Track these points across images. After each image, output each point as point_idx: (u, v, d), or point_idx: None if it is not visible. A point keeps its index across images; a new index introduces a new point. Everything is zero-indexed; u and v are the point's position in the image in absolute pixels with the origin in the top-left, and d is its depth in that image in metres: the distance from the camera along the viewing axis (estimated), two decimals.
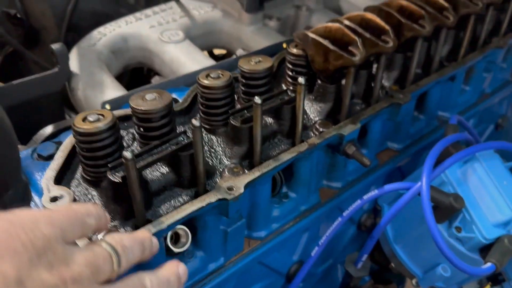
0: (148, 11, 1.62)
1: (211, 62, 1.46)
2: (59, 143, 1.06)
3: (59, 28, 1.89)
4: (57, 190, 0.90)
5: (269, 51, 1.45)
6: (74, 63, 1.32)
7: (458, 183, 1.22)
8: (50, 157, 1.03)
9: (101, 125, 0.91)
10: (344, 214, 1.20)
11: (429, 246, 1.25)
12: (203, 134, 1.13)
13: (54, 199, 0.88)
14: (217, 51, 2.15)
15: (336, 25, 1.20)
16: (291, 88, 1.31)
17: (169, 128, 1.03)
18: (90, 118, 0.92)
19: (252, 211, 1.12)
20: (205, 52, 1.72)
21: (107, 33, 1.48)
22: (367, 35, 1.19)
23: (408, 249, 1.33)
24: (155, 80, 1.29)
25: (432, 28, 1.30)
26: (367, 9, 1.38)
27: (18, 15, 1.81)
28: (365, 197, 1.20)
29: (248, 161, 1.10)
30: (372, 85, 1.35)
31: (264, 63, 1.16)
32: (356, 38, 1.16)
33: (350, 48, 1.15)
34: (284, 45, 1.49)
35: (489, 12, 1.59)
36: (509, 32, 1.77)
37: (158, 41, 1.51)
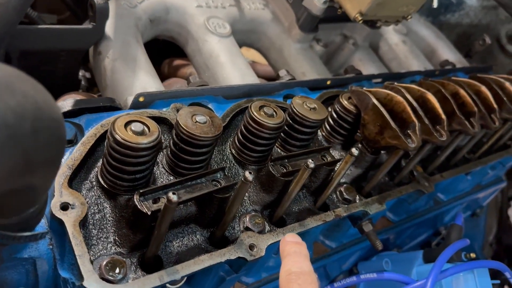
0: None
1: (250, 72, 1.34)
2: (78, 127, 0.92)
3: None
4: (70, 196, 0.77)
5: (313, 84, 1.35)
6: (108, 22, 1.14)
7: None
8: (66, 143, 0.88)
9: (145, 141, 0.78)
10: (336, 285, 1.16)
11: None
12: (232, 164, 1.03)
13: (65, 207, 0.76)
14: None
15: (399, 98, 1.13)
16: (324, 134, 1.24)
17: (208, 156, 0.92)
18: (134, 128, 0.80)
19: None
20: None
21: None
22: (426, 120, 1.13)
23: None
24: (193, 79, 1.15)
25: (479, 130, 1.27)
26: (424, 84, 1.32)
27: None
28: (363, 277, 1.17)
29: (270, 210, 1.02)
30: (403, 164, 1.31)
31: (319, 113, 1.07)
32: (416, 121, 1.10)
33: (409, 132, 1.08)
34: (328, 82, 1.40)
35: None
36: None
37: (203, 26, 1.35)
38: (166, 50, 1.85)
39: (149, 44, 1.38)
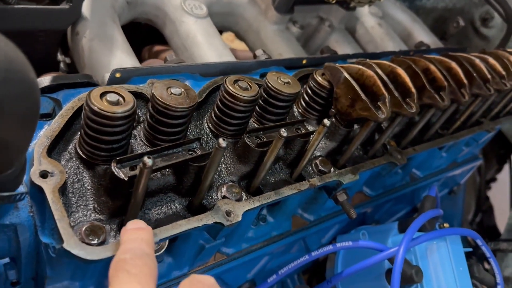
0: None
1: (227, 52, 1.37)
2: (56, 101, 0.94)
3: None
4: (48, 165, 0.80)
5: (289, 63, 1.39)
6: (85, 4, 1.16)
7: (421, 256, 1.27)
8: (44, 116, 0.90)
9: (120, 110, 0.81)
10: (313, 254, 1.20)
11: None
12: (210, 138, 1.07)
13: (44, 175, 0.78)
14: None
15: (370, 72, 1.17)
16: (300, 110, 1.28)
17: (184, 128, 0.95)
18: (109, 98, 0.82)
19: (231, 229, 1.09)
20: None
21: None
22: (396, 93, 1.17)
23: None
24: (170, 57, 1.18)
25: (448, 104, 1.32)
26: (396, 61, 1.36)
27: None
28: (339, 245, 1.21)
29: (247, 181, 1.06)
30: (376, 137, 1.35)
31: (293, 87, 1.10)
32: (386, 93, 1.14)
33: (379, 103, 1.13)
34: (304, 61, 1.43)
35: (493, 97, 1.65)
36: (497, 117, 1.86)
37: (179, 8, 1.38)
38: (149, 38, 1.87)
39: (131, 31, 1.41)
